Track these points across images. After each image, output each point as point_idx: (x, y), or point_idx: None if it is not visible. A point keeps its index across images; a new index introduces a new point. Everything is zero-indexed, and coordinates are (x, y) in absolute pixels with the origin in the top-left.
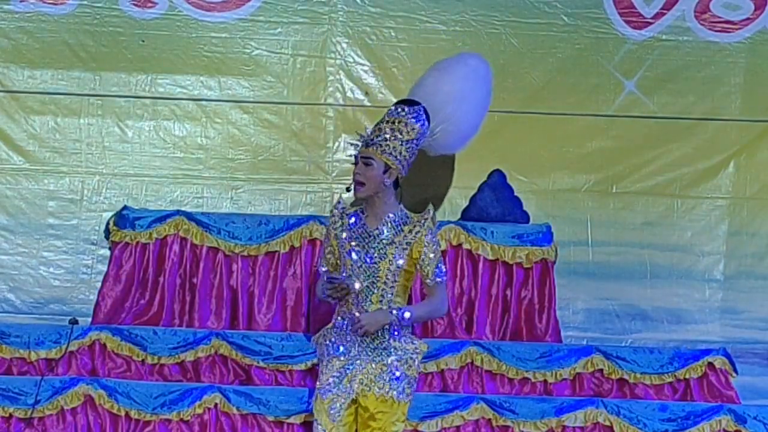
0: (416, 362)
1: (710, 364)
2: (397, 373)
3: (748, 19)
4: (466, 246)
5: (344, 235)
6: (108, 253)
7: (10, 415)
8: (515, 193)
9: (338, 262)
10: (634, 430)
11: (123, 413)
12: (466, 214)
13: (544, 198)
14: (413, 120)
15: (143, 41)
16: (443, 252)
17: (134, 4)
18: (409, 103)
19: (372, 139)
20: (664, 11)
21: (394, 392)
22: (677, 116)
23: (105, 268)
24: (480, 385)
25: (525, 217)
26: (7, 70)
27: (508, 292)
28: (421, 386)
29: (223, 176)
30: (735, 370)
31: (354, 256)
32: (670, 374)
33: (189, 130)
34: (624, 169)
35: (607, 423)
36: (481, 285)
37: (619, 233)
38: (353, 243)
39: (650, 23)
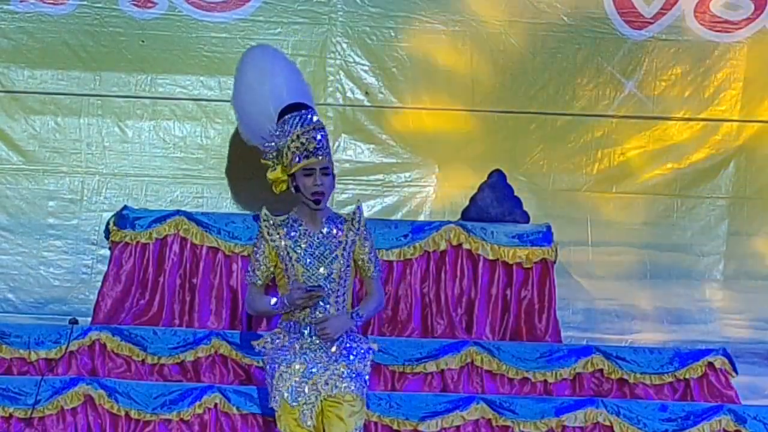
0: (370, 360)
1: (710, 364)
2: (359, 371)
3: (748, 19)
4: (466, 246)
5: (287, 243)
6: (108, 253)
7: (10, 415)
8: (515, 193)
9: (275, 273)
10: (634, 430)
11: (123, 413)
12: (466, 214)
13: (544, 198)
14: (319, 120)
15: (143, 41)
16: (443, 252)
17: (134, 4)
18: (305, 107)
19: (319, 150)
20: (664, 11)
21: (360, 390)
22: (677, 116)
23: (105, 268)
24: (480, 385)
25: (525, 217)
26: (7, 70)
27: (508, 292)
28: (421, 386)
29: (223, 176)
30: (735, 370)
31: (308, 261)
32: (670, 374)
33: (189, 130)
34: (624, 169)
35: (607, 423)
36: (481, 285)
37: (619, 233)
38: (300, 250)
39: (650, 23)
